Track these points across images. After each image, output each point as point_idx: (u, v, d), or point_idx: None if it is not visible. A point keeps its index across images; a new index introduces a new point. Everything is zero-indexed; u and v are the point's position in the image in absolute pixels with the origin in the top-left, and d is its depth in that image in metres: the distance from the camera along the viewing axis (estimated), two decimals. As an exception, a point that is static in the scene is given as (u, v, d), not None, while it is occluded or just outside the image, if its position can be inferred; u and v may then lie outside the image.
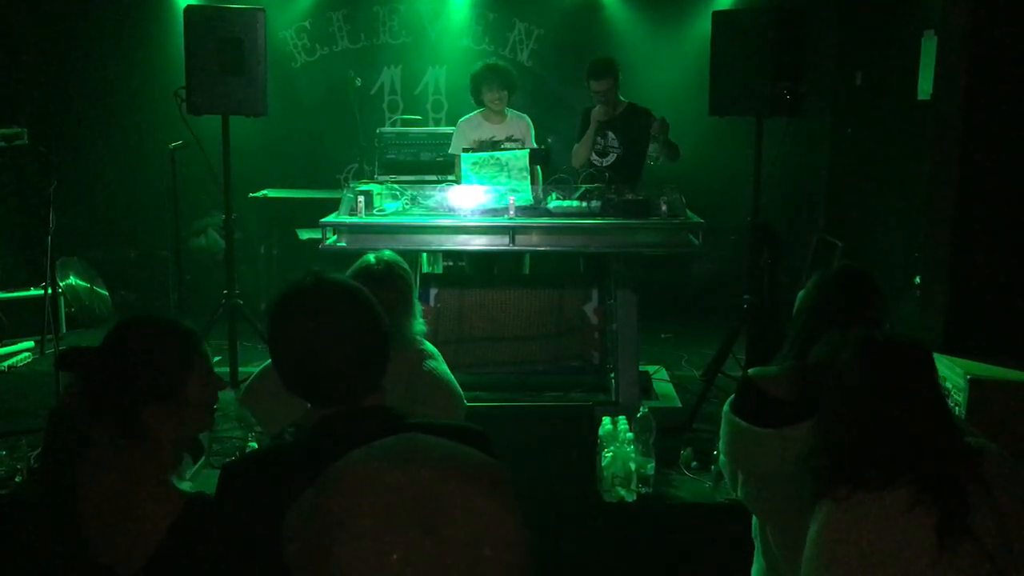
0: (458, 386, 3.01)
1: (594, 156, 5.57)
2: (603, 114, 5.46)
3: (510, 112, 5.68)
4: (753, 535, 2.56)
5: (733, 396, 2.50)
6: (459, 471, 1.22)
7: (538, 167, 5.44)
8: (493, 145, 5.41)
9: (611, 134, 5.54)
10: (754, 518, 2.54)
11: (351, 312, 1.72)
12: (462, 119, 5.75)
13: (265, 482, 1.67)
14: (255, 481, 1.69)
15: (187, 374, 2.02)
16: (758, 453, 2.39)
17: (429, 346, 3.10)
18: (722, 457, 2.53)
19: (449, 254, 5.93)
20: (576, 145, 5.63)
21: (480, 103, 5.62)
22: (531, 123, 5.72)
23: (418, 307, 3.15)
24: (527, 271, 6.05)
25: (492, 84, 5.50)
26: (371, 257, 3.04)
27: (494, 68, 5.64)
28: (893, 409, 1.91)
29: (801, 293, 2.59)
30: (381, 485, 1.21)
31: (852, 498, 1.87)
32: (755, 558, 2.57)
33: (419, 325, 3.12)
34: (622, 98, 5.58)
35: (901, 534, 1.82)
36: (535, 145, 5.62)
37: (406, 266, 3.10)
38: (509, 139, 5.49)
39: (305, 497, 1.36)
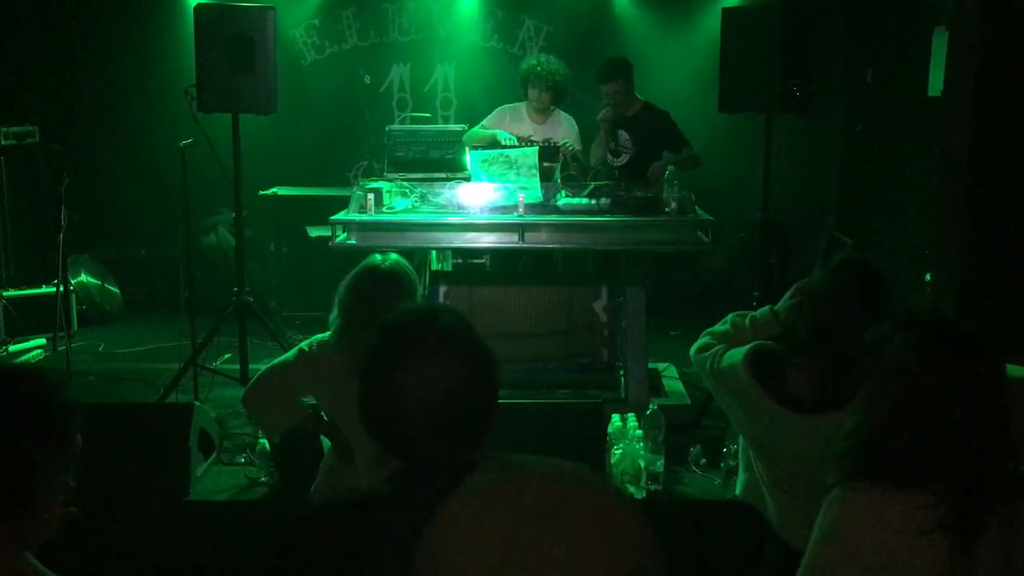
0: None
1: (609, 157, 5.55)
2: (608, 116, 5.43)
3: (557, 113, 5.62)
4: (739, 457, 2.64)
5: (749, 352, 2.48)
6: (567, 516, 1.12)
7: (557, 164, 5.40)
8: (529, 144, 5.30)
9: (624, 134, 5.50)
10: (741, 440, 2.59)
11: (467, 360, 1.49)
12: (507, 105, 5.69)
13: (340, 534, 1.48)
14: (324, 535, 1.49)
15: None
16: (763, 420, 2.42)
17: None
18: (717, 399, 2.59)
19: (462, 252, 5.93)
20: (593, 145, 5.62)
21: (526, 95, 5.57)
22: (575, 124, 5.65)
23: None
24: (560, 269, 6.04)
25: (537, 84, 5.43)
26: (377, 257, 3.05)
27: (546, 68, 5.47)
28: (944, 400, 1.74)
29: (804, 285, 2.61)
30: (489, 522, 1.14)
31: (875, 495, 1.75)
32: (739, 475, 2.66)
33: None
34: (639, 96, 5.54)
35: (919, 552, 1.71)
36: (580, 146, 5.58)
37: (411, 268, 3.09)
38: (546, 142, 5.41)
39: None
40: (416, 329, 1.51)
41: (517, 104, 5.67)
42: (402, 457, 1.51)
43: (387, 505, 1.49)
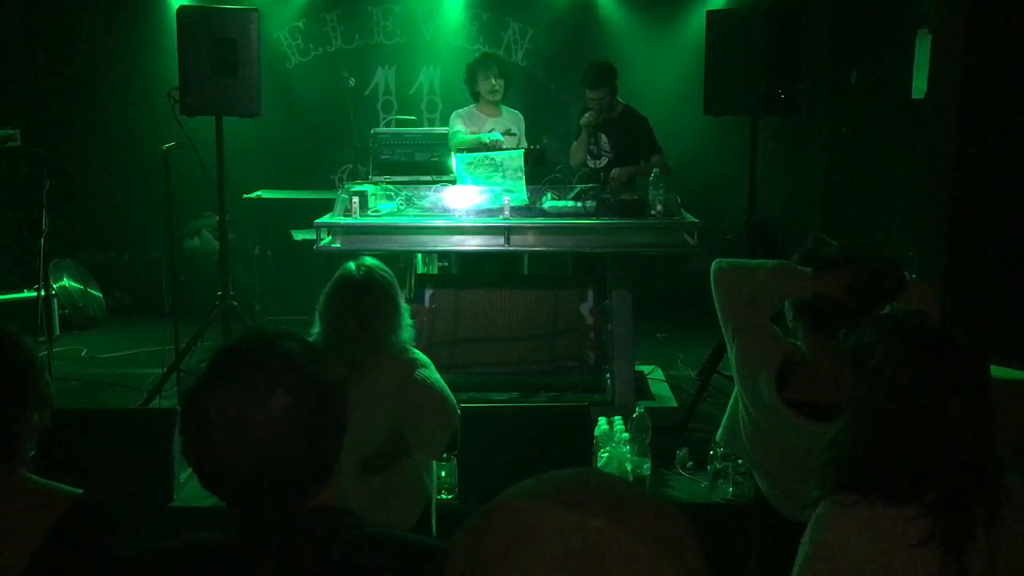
0: (451, 394, 2.96)
1: (588, 159, 5.56)
2: (591, 119, 5.43)
3: (504, 108, 5.62)
4: (728, 405, 2.65)
5: (778, 369, 2.44)
6: (630, 524, 1.03)
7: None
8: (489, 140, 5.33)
9: (604, 137, 5.52)
10: (735, 391, 2.58)
11: (291, 392, 1.31)
12: (456, 112, 5.65)
13: None
14: None
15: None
16: (770, 416, 2.42)
17: (419, 354, 3.03)
18: (722, 322, 2.54)
19: (448, 255, 5.90)
20: (574, 144, 5.62)
21: (475, 96, 5.55)
22: (520, 117, 5.65)
23: (406, 314, 3.06)
24: (525, 271, 6.01)
25: (489, 72, 5.42)
26: (351, 265, 2.99)
27: (491, 56, 5.60)
28: (932, 414, 1.71)
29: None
30: (547, 528, 1.02)
31: (864, 509, 1.71)
32: (723, 421, 2.68)
33: (407, 332, 3.04)
34: (620, 100, 5.55)
35: (911, 563, 1.69)
36: (526, 143, 5.57)
37: (388, 272, 3.01)
38: (507, 133, 5.42)
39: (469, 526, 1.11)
40: (243, 352, 1.36)
41: (462, 109, 5.65)
42: (227, 501, 1.36)
43: (228, 558, 1.37)
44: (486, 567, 1.00)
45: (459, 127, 5.52)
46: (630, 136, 5.48)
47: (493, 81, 5.43)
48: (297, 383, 1.32)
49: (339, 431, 1.38)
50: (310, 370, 1.35)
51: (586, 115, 5.45)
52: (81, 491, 1.78)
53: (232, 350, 1.37)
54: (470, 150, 5.23)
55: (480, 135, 5.40)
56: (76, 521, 1.73)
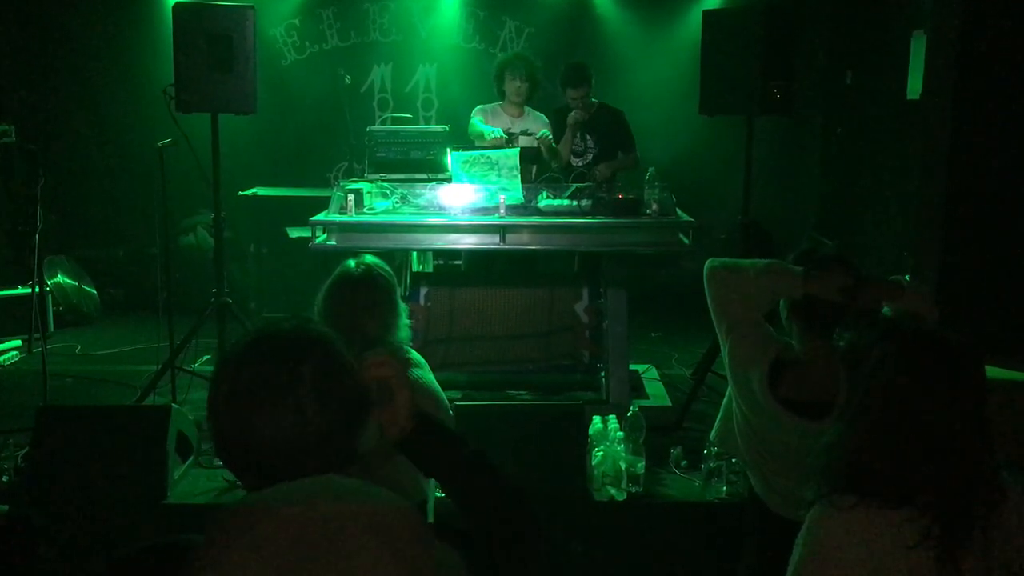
0: (444, 396, 2.95)
1: (572, 158, 5.60)
2: (579, 117, 5.47)
3: (529, 110, 5.65)
4: (722, 406, 2.67)
5: (772, 363, 2.45)
6: (351, 515, 1.07)
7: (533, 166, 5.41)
8: (508, 137, 5.34)
9: (588, 135, 5.58)
10: (728, 392, 2.60)
11: (319, 369, 1.36)
12: (481, 106, 5.68)
13: None
14: None
15: None
16: (764, 414, 2.41)
17: (415, 354, 3.02)
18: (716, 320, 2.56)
19: (443, 253, 5.90)
20: (558, 146, 5.64)
21: (501, 94, 5.59)
22: (547, 121, 5.67)
23: (404, 314, 3.04)
24: (538, 269, 6.01)
25: (516, 73, 5.45)
26: (351, 262, 2.98)
27: (522, 58, 5.62)
28: (930, 416, 1.71)
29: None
30: (262, 523, 1.06)
31: (860, 510, 1.72)
32: (716, 422, 2.70)
33: (404, 332, 3.03)
34: (593, 99, 5.59)
35: (906, 565, 1.69)
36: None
37: (388, 269, 3.01)
38: (525, 133, 5.44)
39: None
40: (283, 328, 1.41)
41: (491, 104, 5.69)
42: (233, 470, 1.38)
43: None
44: (203, 568, 1.05)
45: (478, 119, 5.57)
46: (610, 132, 5.58)
47: (519, 83, 5.46)
48: (326, 363, 1.37)
49: (354, 429, 1.40)
50: (341, 357, 1.40)
51: (572, 114, 5.49)
52: (6, 507, 1.75)
53: (273, 324, 1.43)
54: (467, 147, 5.23)
55: (485, 127, 5.42)
56: (4, 537, 1.69)
